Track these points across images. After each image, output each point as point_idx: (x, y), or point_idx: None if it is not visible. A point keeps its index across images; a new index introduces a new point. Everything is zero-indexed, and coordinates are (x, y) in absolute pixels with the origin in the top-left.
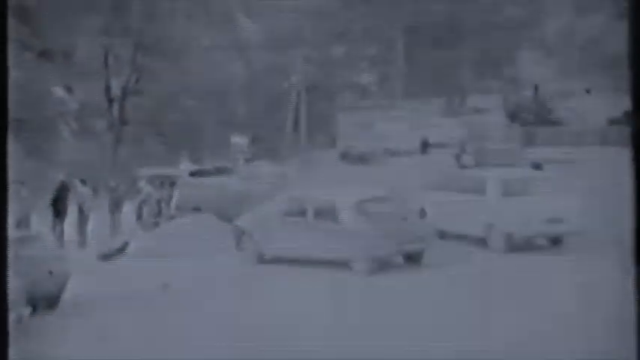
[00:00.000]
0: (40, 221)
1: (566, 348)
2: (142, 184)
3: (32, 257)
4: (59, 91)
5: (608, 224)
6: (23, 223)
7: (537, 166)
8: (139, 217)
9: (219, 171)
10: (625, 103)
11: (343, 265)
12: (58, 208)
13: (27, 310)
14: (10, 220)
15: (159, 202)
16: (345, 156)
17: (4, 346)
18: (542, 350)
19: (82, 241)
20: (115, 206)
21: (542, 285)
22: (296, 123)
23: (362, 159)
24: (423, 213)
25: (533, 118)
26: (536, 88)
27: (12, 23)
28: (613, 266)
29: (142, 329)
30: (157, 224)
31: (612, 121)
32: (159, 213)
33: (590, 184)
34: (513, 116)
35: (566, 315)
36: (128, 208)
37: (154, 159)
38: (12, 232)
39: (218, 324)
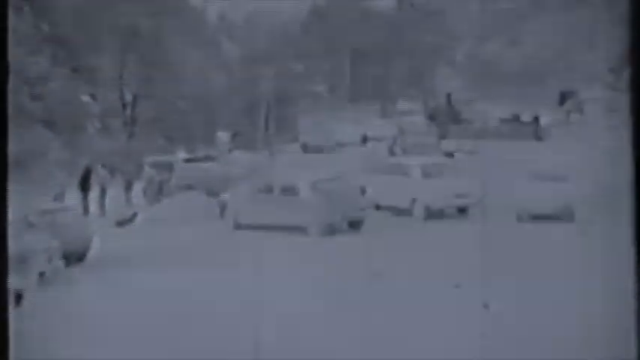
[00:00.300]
0: (72, 196)
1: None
2: (147, 168)
3: (65, 223)
4: (86, 98)
5: (501, 197)
6: (59, 197)
7: (450, 155)
8: (146, 193)
9: (208, 158)
10: (512, 107)
11: (301, 229)
12: (85, 186)
13: (61, 262)
14: (11, 204)
15: (160, 182)
16: (304, 147)
17: (3, 324)
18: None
19: (102, 212)
20: (128, 185)
21: (452, 242)
22: (266, 122)
23: (317, 149)
24: (363, 190)
25: (446, 118)
26: (448, 96)
27: (53, 48)
28: (502, 225)
29: (146, 277)
30: (159, 199)
31: (503, 121)
32: (160, 190)
33: (488, 168)
34: (431, 117)
35: (469, 258)
36: (137, 187)
37: (157, 149)
38: (50, 205)
39: (205, 272)
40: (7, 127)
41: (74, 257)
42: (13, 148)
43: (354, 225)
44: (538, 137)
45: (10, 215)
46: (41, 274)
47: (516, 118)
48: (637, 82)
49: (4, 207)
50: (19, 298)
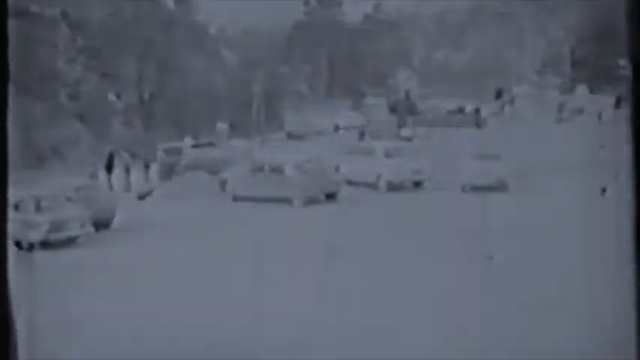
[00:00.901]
0: (101, 176)
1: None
2: (161, 152)
3: (95, 197)
4: (112, 97)
5: (449, 174)
6: (93, 176)
7: (408, 139)
8: (160, 173)
9: (210, 145)
10: (457, 101)
11: (287, 200)
12: (109, 167)
13: (92, 229)
14: (51, 182)
15: (172, 163)
16: (288, 135)
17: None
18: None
19: (127, 188)
20: (146, 166)
21: (409, 209)
22: (258, 115)
23: (299, 137)
24: (337, 168)
25: (405, 110)
26: (407, 92)
27: (85, 58)
28: (449, 195)
29: (160, 238)
30: (170, 177)
31: (450, 112)
32: (172, 170)
33: (438, 150)
34: (392, 110)
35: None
36: (153, 168)
37: (169, 137)
38: (83, 182)
39: (209, 233)
40: (7, 127)
41: (102, 224)
42: (52, 138)
43: (331, 196)
44: (478, 125)
45: (51, 191)
46: (76, 237)
47: (461, 110)
48: (637, 82)
49: (4, 205)
50: (31, 247)
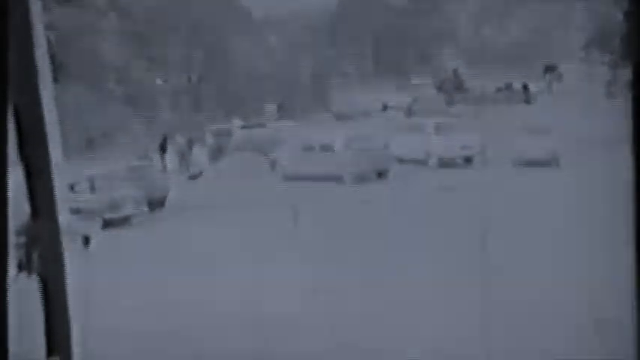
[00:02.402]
0: (155, 156)
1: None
2: (209, 134)
3: (149, 177)
4: (159, 81)
5: (498, 149)
6: (143, 157)
7: (458, 117)
8: (209, 153)
9: (259, 125)
10: (505, 78)
11: (337, 178)
12: (163, 149)
13: (146, 208)
14: (103, 164)
15: (221, 145)
16: (336, 115)
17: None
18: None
19: (180, 169)
20: (190, 147)
21: (459, 185)
22: (305, 96)
23: (346, 117)
24: (386, 146)
25: (452, 88)
26: (455, 70)
27: (133, 43)
28: (500, 169)
29: (209, 215)
30: (219, 158)
31: (498, 89)
32: (221, 151)
33: (487, 126)
34: (439, 88)
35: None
36: (201, 149)
37: (218, 119)
38: (137, 163)
39: (263, 211)
40: (7, 127)
41: (156, 203)
42: (102, 122)
43: (382, 174)
44: (527, 101)
45: (104, 172)
46: (131, 216)
47: (509, 87)
48: (637, 78)
49: (4, 204)
50: (87, 240)
